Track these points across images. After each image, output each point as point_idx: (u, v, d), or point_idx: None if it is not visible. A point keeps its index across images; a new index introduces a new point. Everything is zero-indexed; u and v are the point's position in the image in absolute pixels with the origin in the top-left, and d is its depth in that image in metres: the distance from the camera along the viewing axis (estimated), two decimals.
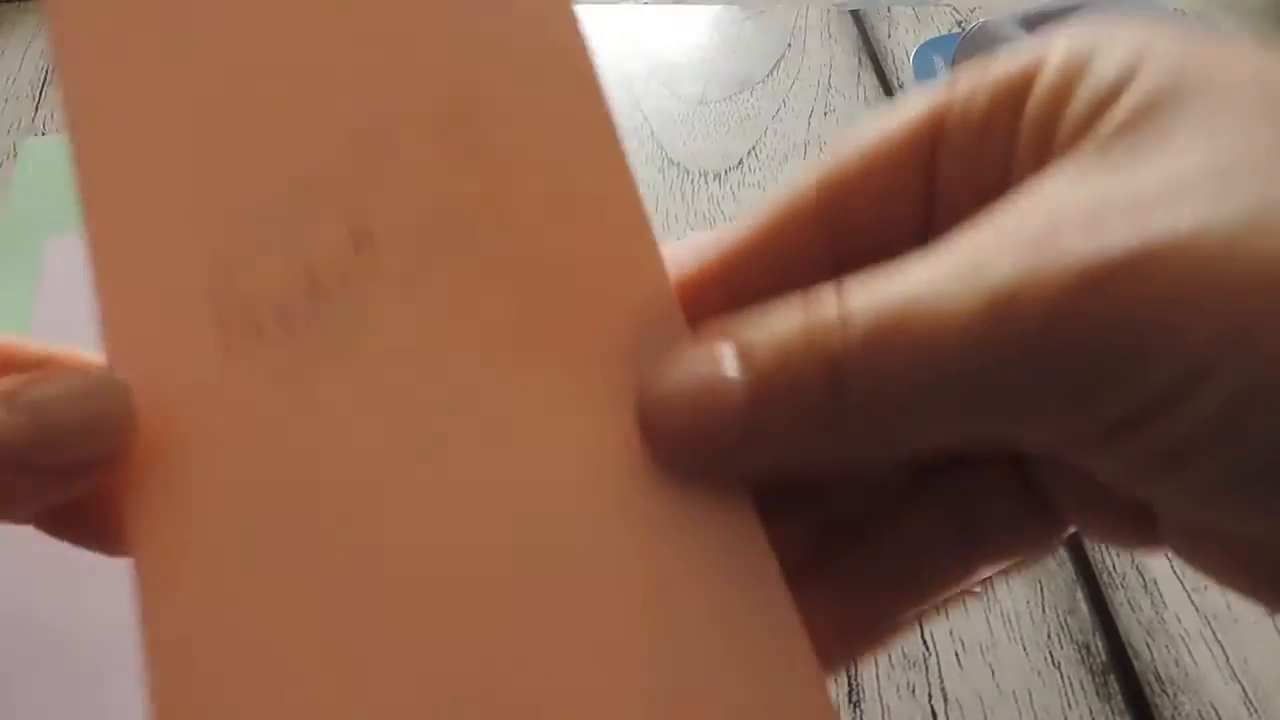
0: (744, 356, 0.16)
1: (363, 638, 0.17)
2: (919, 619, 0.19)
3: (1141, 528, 0.18)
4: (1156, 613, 0.29)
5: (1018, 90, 0.16)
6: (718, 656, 0.17)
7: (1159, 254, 0.13)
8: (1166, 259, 0.13)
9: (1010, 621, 0.29)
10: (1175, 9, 0.50)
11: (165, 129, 0.19)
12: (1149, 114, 0.15)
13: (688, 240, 0.20)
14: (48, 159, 0.43)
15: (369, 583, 0.17)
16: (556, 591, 0.17)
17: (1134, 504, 0.17)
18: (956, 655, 0.28)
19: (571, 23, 0.20)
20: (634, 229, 0.19)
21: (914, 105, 0.18)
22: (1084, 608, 0.29)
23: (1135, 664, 0.28)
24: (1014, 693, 0.27)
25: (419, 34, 0.20)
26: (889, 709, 0.27)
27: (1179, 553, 0.17)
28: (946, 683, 0.27)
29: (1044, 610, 0.29)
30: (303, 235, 0.19)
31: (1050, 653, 0.28)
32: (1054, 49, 0.16)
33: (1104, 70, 0.15)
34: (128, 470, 0.17)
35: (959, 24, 0.53)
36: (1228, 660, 0.28)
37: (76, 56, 0.20)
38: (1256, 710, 0.27)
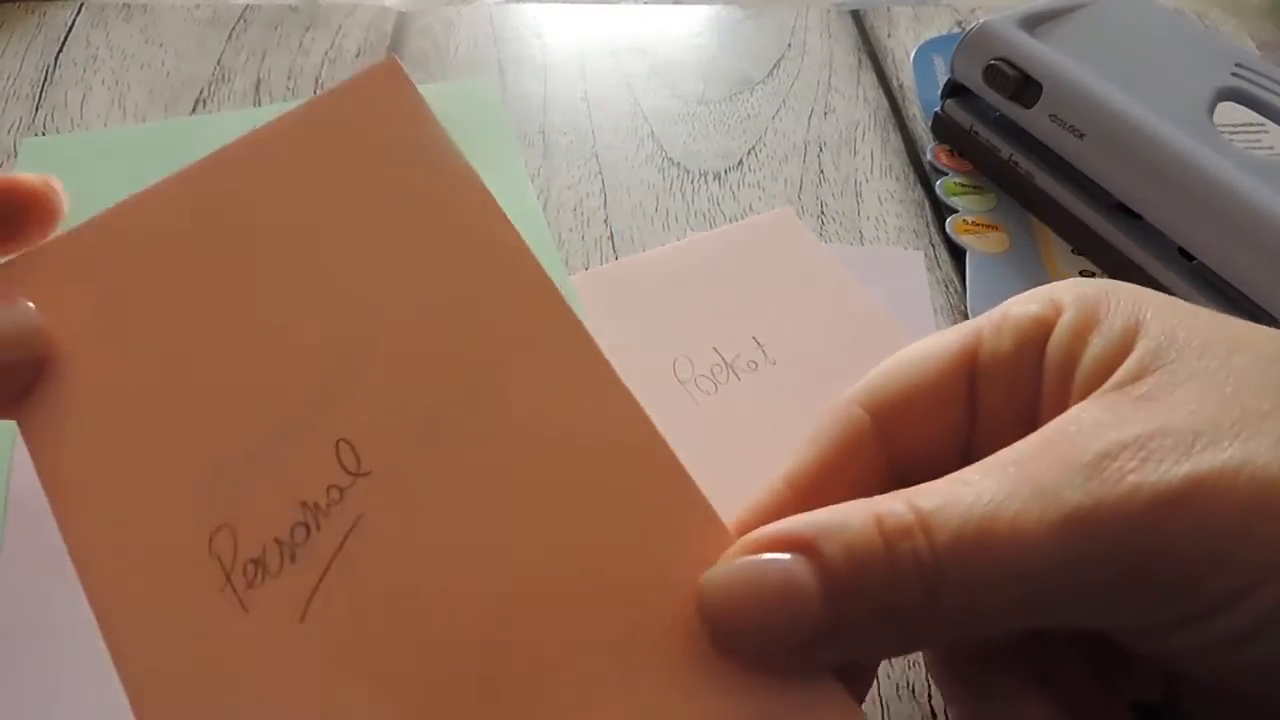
0: (810, 555, 0.17)
1: None
2: None
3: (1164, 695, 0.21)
4: None
5: (1039, 334, 0.20)
6: None
7: (1210, 484, 0.16)
8: (1216, 489, 0.16)
9: None
10: (1175, 9, 0.50)
11: (133, 408, 0.20)
12: (1157, 363, 0.18)
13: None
14: (49, 158, 0.43)
15: None
16: None
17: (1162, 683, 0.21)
18: None
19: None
20: (645, 436, 0.20)
21: (948, 338, 0.21)
22: None
23: None
24: None
25: (378, 272, 0.21)
26: (889, 709, 0.27)
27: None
28: None
29: None
30: (288, 467, 0.20)
31: None
32: (1064, 299, 0.20)
33: (1112, 325, 0.19)
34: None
35: (959, 24, 0.53)
36: None
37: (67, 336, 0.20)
38: None
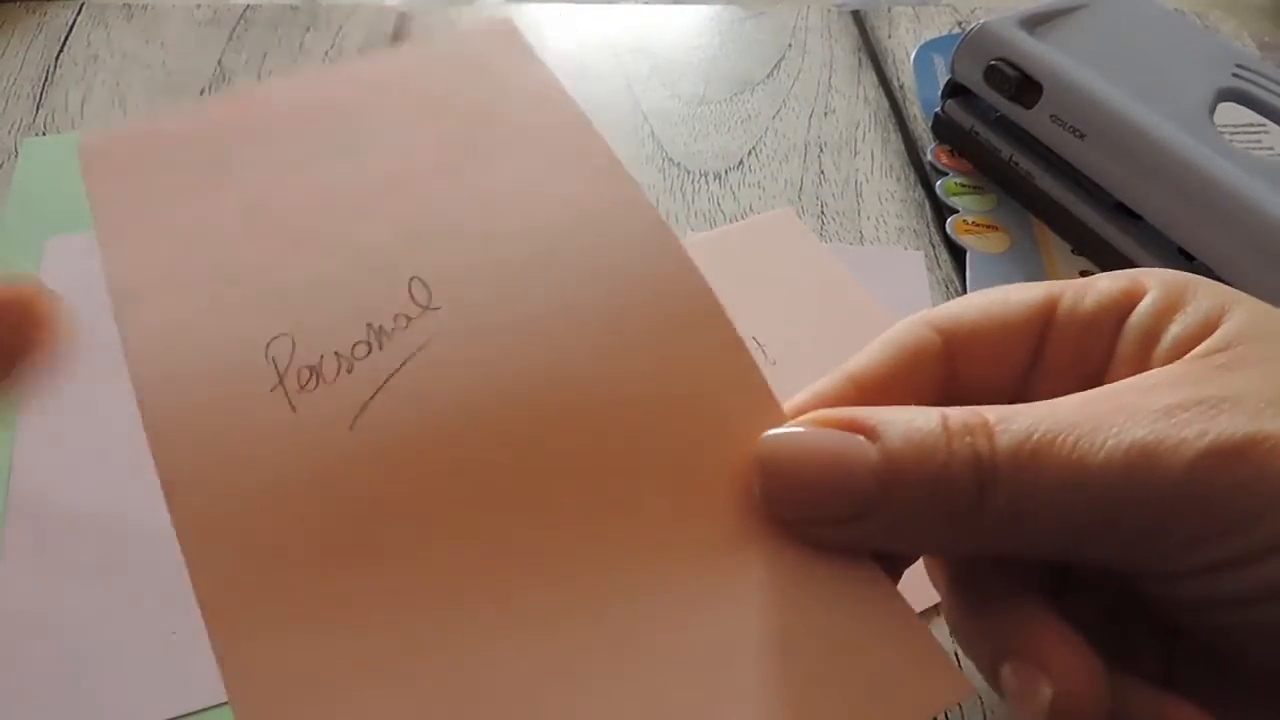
0: (875, 437, 0.18)
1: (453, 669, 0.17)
2: None
3: (1162, 668, 0.22)
4: None
5: (1121, 306, 0.21)
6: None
7: (1269, 443, 0.17)
8: (1275, 449, 0.17)
9: None
10: (1175, 9, 0.50)
11: (217, 243, 0.22)
12: (1238, 342, 0.19)
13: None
14: (50, 158, 0.43)
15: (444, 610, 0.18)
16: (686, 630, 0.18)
17: (1164, 639, 0.22)
18: (957, 655, 0.28)
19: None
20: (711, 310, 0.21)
21: (1032, 288, 0.22)
22: None
23: None
24: None
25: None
26: None
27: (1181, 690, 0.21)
28: None
29: None
30: (359, 293, 0.21)
31: None
32: (1151, 281, 0.21)
33: (1198, 308, 0.20)
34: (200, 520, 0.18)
35: (959, 24, 0.53)
36: None
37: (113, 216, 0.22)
38: None
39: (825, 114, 0.47)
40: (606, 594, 0.18)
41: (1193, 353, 0.20)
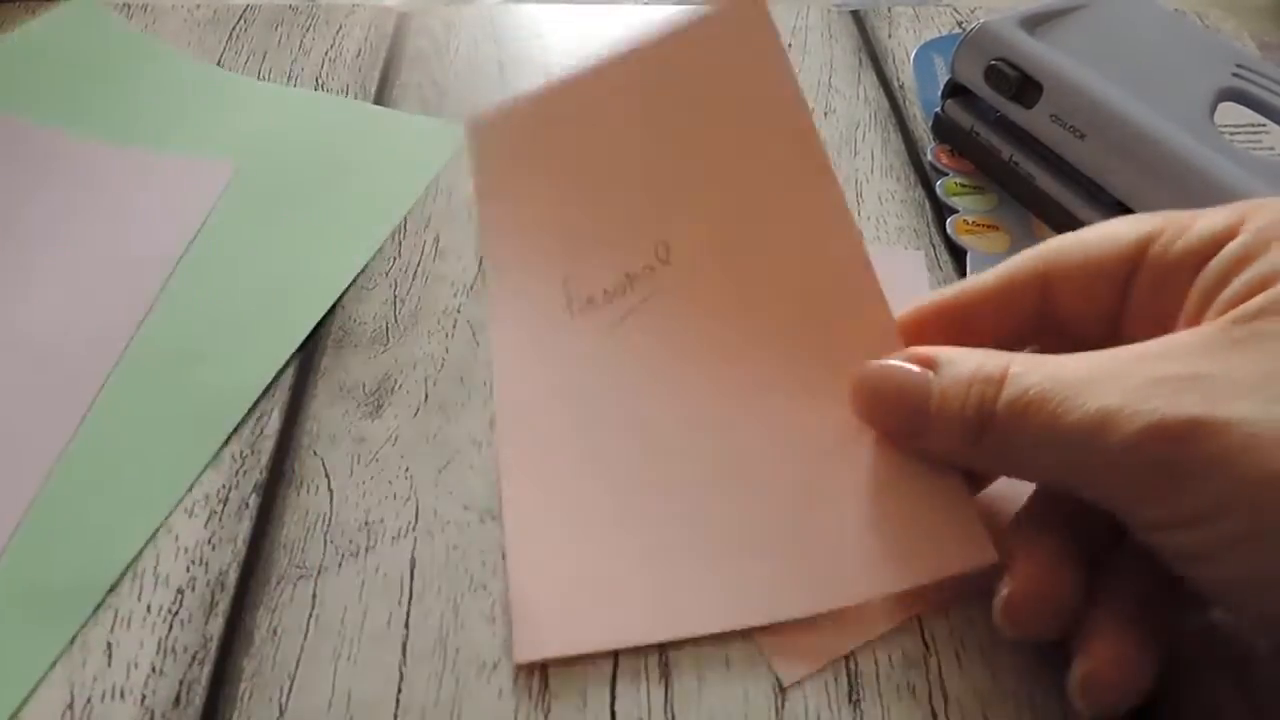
0: (936, 370, 0.24)
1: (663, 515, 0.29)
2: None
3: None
4: None
5: (1205, 251, 0.22)
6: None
7: (1209, 428, 0.18)
8: (1212, 432, 0.18)
9: None
10: (1175, 9, 0.50)
11: (541, 206, 0.36)
12: (1267, 315, 0.20)
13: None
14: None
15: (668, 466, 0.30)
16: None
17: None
18: (956, 655, 0.28)
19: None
20: (860, 272, 0.30)
21: (1134, 226, 0.24)
22: None
23: None
24: (1014, 693, 0.27)
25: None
26: (889, 709, 0.27)
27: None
28: (946, 683, 0.27)
29: None
30: (624, 252, 0.33)
31: (1051, 653, 0.28)
32: (1246, 225, 0.22)
33: (1267, 261, 0.21)
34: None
35: (959, 24, 0.53)
36: None
37: (490, 174, 0.38)
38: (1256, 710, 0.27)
39: (825, 114, 0.47)
40: (768, 411, 0.29)
41: (1227, 315, 0.20)
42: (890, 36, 0.52)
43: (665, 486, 0.30)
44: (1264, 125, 0.45)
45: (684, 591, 0.28)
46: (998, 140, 0.43)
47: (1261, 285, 0.20)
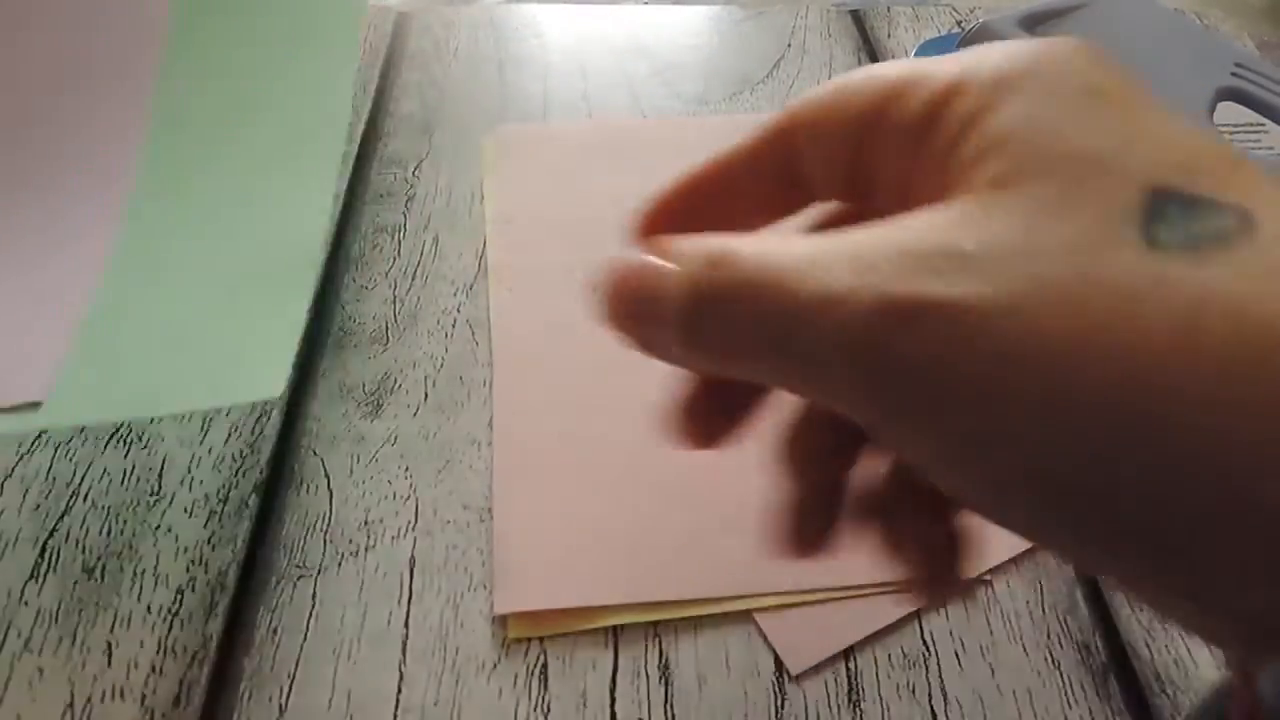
0: (675, 260, 0.19)
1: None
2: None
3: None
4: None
5: (939, 103, 0.19)
6: None
7: (930, 309, 0.16)
8: (935, 315, 0.16)
9: (1010, 621, 0.29)
10: (1175, 9, 0.50)
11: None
12: (1004, 182, 0.17)
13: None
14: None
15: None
16: None
17: None
18: (956, 655, 0.28)
19: None
20: None
21: (881, 75, 0.20)
22: (1084, 608, 0.29)
23: (1135, 664, 0.28)
24: (1014, 693, 0.27)
25: None
26: (889, 709, 0.27)
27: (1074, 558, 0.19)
28: (946, 683, 0.27)
29: (1044, 610, 0.29)
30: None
31: (1050, 653, 0.28)
32: (977, 77, 0.18)
33: (998, 120, 0.17)
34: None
35: (959, 24, 0.53)
36: (1228, 660, 0.28)
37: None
38: None
39: None
40: None
41: (966, 180, 0.18)
42: (890, 36, 0.52)
43: (656, 458, 0.30)
44: (1263, 125, 0.45)
45: (669, 557, 0.28)
46: None
47: (988, 155, 0.17)
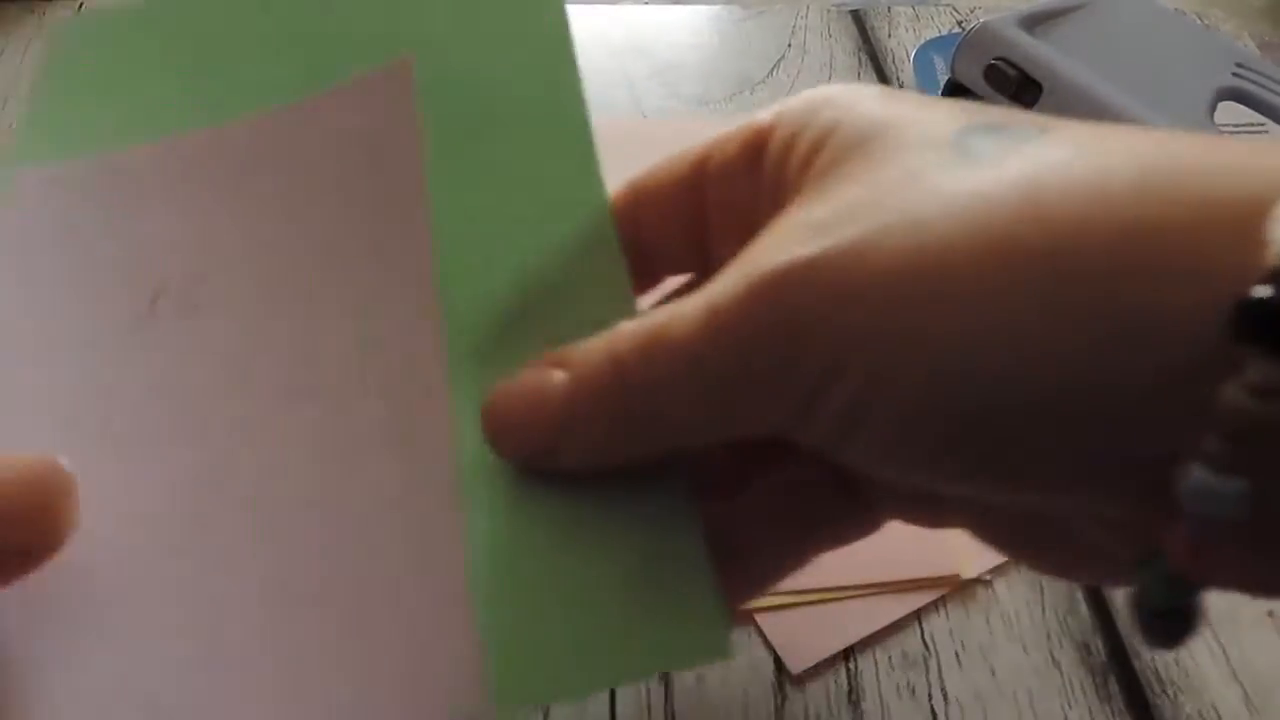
0: (564, 367, 0.19)
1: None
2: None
3: (930, 507, 0.21)
4: None
5: (759, 140, 0.20)
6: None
7: (800, 273, 0.16)
8: (806, 277, 0.16)
9: (1010, 621, 0.29)
10: (1175, 9, 0.50)
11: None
12: (835, 166, 0.18)
13: None
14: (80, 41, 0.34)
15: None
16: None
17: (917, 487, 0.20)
18: (956, 655, 0.28)
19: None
20: None
21: (693, 148, 0.22)
22: (1084, 608, 0.29)
23: (1135, 664, 0.28)
24: (1014, 693, 0.27)
25: None
26: (889, 709, 0.27)
27: (973, 529, 0.21)
28: (946, 683, 0.27)
29: (1044, 610, 0.29)
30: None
31: (1050, 653, 0.28)
32: (782, 117, 0.20)
33: (817, 125, 0.19)
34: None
35: (959, 24, 0.53)
36: (1228, 660, 0.28)
37: None
38: (1256, 710, 0.27)
39: None
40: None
41: (803, 182, 0.18)
42: (890, 36, 0.52)
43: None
44: (1263, 125, 0.45)
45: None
46: None
47: (814, 155, 0.18)
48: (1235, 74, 0.40)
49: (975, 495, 0.18)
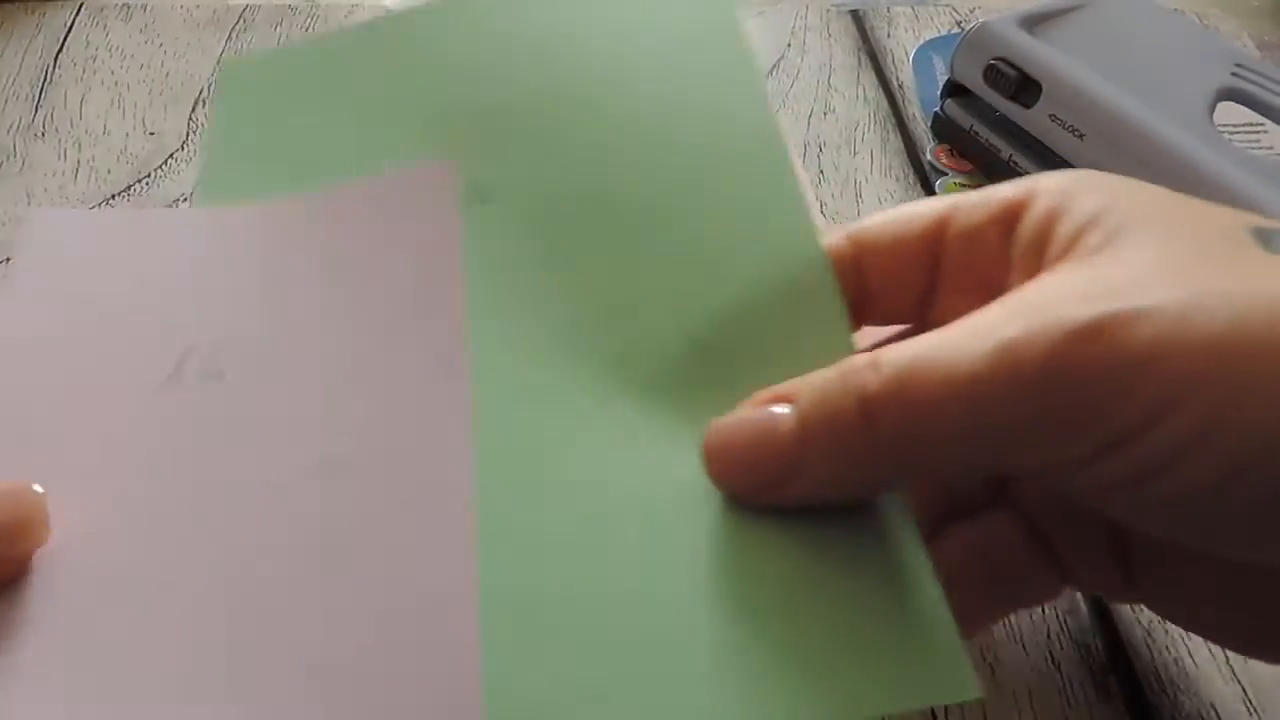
0: (793, 400, 0.20)
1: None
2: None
3: (1124, 574, 0.23)
4: None
5: (1009, 215, 0.22)
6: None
7: (1122, 320, 0.17)
8: (1129, 325, 0.17)
9: (1010, 621, 0.29)
10: (1175, 9, 0.50)
11: None
12: (1114, 239, 0.19)
13: None
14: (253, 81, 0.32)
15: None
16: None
17: (1117, 545, 0.22)
18: None
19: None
20: None
21: (930, 203, 0.23)
22: (1084, 608, 0.29)
23: (1135, 664, 0.28)
24: (1014, 693, 0.27)
25: None
26: None
27: (1152, 600, 0.23)
28: None
29: (1044, 610, 0.29)
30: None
31: (1050, 653, 0.28)
32: (1039, 187, 0.21)
33: (1082, 208, 0.20)
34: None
35: (959, 24, 0.53)
36: (1228, 660, 0.28)
37: None
38: (1256, 710, 0.27)
39: (824, 114, 0.47)
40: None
41: (1075, 251, 0.20)
42: (889, 36, 0.52)
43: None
44: (1263, 125, 0.45)
45: None
46: (997, 140, 0.43)
47: (1092, 224, 0.20)
48: (1235, 74, 0.40)
49: (1259, 560, 0.19)
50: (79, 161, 0.43)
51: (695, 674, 0.18)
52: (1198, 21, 0.53)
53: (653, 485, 0.21)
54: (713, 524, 0.20)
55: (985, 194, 0.23)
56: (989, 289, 0.21)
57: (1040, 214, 0.21)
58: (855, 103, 0.48)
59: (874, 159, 0.45)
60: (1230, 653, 0.28)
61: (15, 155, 0.43)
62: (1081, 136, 0.38)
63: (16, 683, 0.19)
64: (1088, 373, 0.17)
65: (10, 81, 0.47)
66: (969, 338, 0.18)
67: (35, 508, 0.21)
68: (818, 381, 0.20)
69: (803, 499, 0.20)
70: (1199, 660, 0.28)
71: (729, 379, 0.22)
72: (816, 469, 0.19)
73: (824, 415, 0.19)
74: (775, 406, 0.20)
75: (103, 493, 0.22)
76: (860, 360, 0.19)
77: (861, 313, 0.24)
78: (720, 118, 0.26)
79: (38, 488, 0.21)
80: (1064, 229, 0.20)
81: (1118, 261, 0.19)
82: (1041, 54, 0.40)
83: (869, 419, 0.19)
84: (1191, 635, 0.28)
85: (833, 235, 0.24)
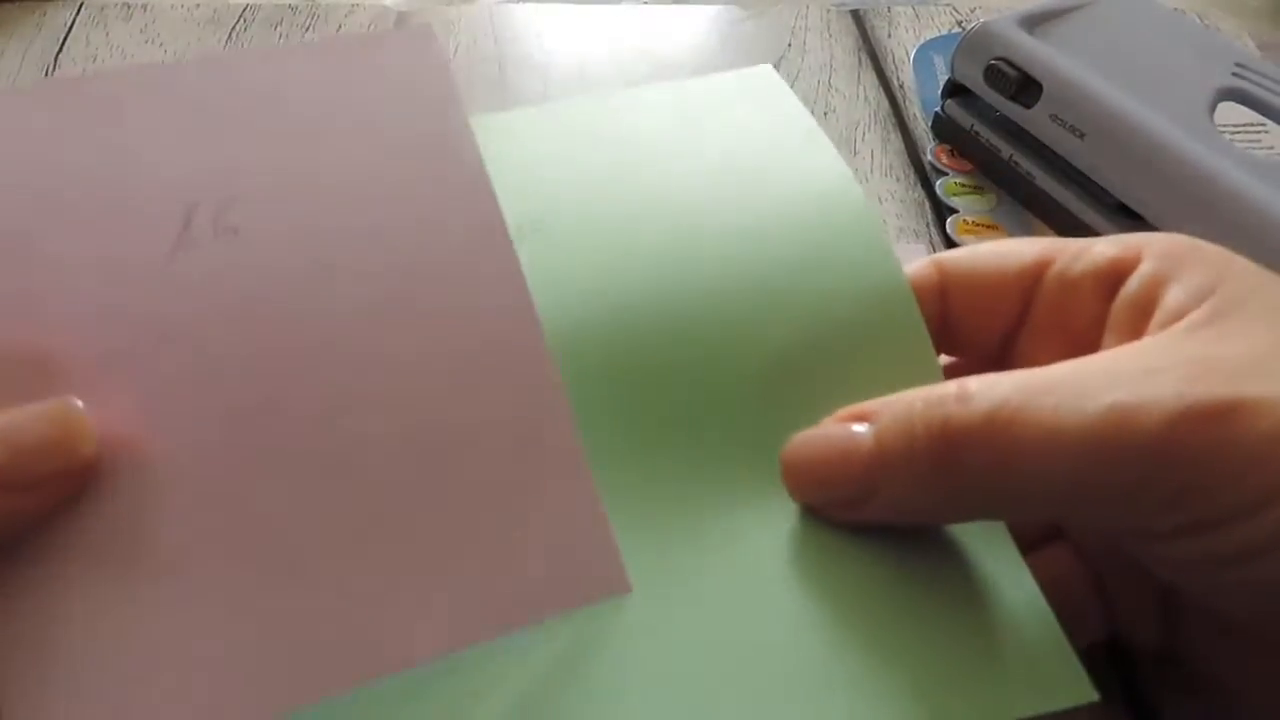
0: (874, 420, 0.20)
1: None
2: None
3: (1167, 629, 0.23)
4: None
5: (1112, 273, 0.22)
6: None
7: (1248, 406, 0.17)
8: (1254, 411, 0.17)
9: None
10: (1175, 9, 0.50)
11: None
12: (1228, 312, 0.19)
13: None
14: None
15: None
16: None
17: (1170, 602, 0.22)
18: None
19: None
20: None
21: (1033, 244, 0.23)
22: None
23: (1137, 664, 0.28)
24: None
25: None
26: None
27: (1186, 659, 0.23)
28: None
29: None
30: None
31: None
32: (1149, 249, 0.21)
33: (1192, 279, 0.20)
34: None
35: (959, 24, 0.53)
36: None
37: None
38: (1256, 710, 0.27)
39: (825, 114, 0.47)
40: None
41: (1183, 321, 0.20)
42: (890, 36, 0.52)
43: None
44: (1264, 125, 0.45)
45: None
46: (997, 140, 0.43)
47: (1200, 295, 0.20)
48: (1235, 74, 0.40)
49: None
50: None
51: (811, 692, 0.18)
52: (1198, 21, 0.53)
53: (739, 499, 0.21)
54: (805, 540, 0.20)
55: (1087, 244, 0.23)
56: (1077, 340, 0.21)
57: (1147, 277, 0.21)
58: (856, 103, 0.48)
59: (874, 159, 0.45)
60: None
61: None
62: (1082, 136, 0.38)
63: (178, 584, 0.18)
64: (1203, 453, 0.17)
65: (10, 81, 0.47)
66: (1074, 394, 0.18)
67: (80, 420, 0.19)
68: (900, 405, 0.20)
69: (880, 520, 0.20)
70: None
71: (812, 400, 0.22)
72: (890, 491, 0.19)
73: (903, 439, 0.19)
74: (856, 425, 0.20)
75: (149, 377, 0.20)
76: (947, 389, 0.19)
77: (941, 342, 0.24)
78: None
79: (77, 401, 0.19)
80: (1172, 297, 0.20)
81: (1229, 341, 0.19)
82: (1042, 54, 0.40)
83: (954, 451, 0.19)
84: None
85: (920, 263, 0.24)
